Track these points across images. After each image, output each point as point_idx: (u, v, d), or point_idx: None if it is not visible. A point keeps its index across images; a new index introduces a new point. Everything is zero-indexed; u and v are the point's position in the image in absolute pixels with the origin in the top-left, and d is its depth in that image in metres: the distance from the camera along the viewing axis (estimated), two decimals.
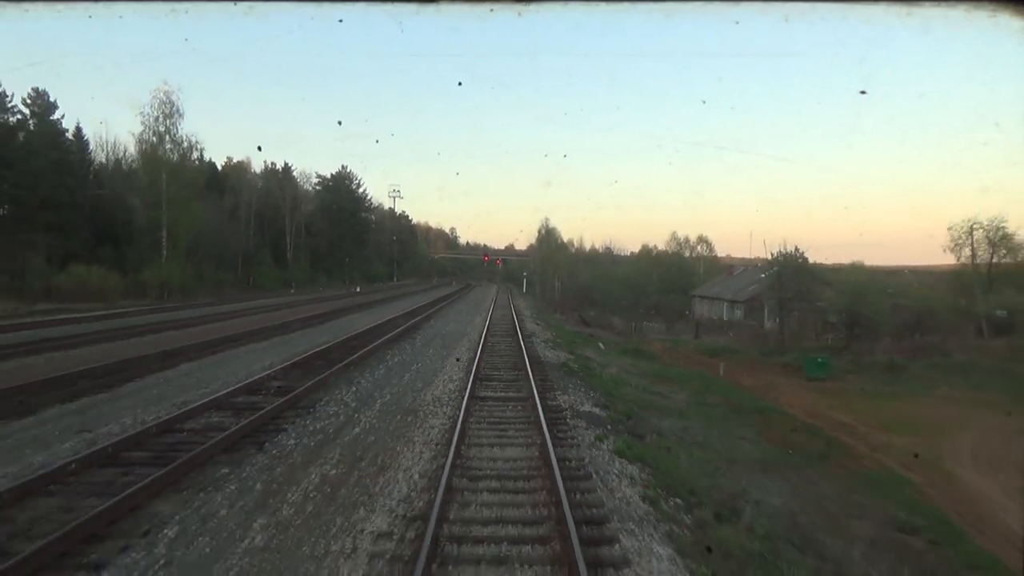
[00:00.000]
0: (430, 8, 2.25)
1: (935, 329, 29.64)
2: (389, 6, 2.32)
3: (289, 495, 6.46)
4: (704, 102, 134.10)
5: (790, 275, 33.79)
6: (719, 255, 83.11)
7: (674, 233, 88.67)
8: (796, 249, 34.10)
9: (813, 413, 18.08)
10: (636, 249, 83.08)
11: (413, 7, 2.24)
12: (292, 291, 55.86)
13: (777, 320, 38.15)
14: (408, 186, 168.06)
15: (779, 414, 17.30)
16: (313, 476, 7.06)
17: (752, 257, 61.88)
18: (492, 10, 2.27)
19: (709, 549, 5.79)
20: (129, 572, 4.79)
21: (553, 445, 8.11)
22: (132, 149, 52.50)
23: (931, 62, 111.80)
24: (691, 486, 7.73)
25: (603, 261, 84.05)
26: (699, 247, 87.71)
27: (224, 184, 64.96)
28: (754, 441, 13.23)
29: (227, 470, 7.08)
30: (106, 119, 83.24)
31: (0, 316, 27.12)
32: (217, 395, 10.55)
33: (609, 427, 10.24)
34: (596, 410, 11.41)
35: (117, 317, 26.25)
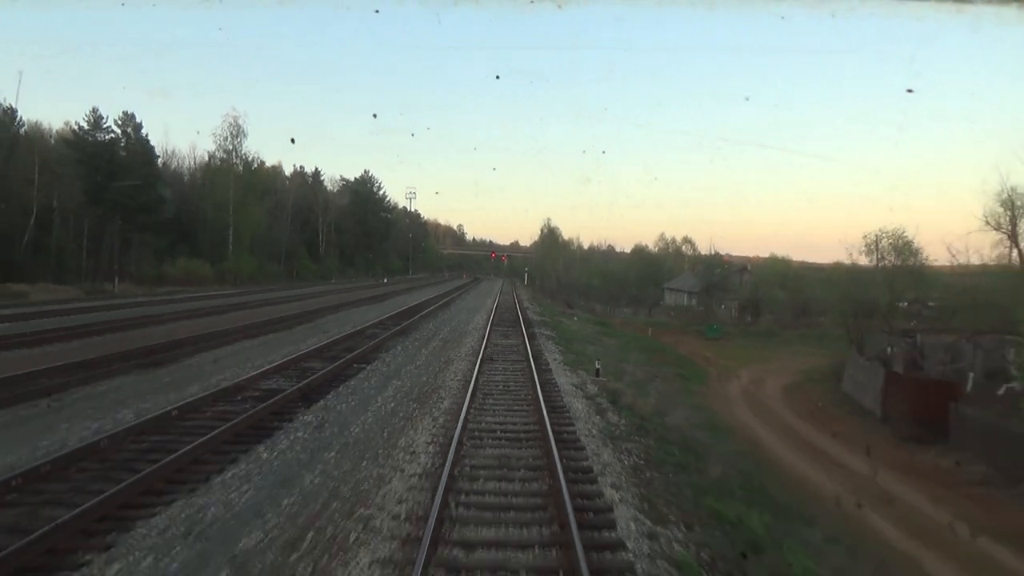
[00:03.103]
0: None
1: (822, 312, 40.71)
2: None
3: (429, 344, 17.87)
4: (747, 99, 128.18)
5: (712, 272, 45.14)
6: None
7: (662, 234, 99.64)
8: (718, 252, 45.44)
9: (693, 352, 29.35)
10: (630, 247, 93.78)
11: None
12: (332, 281, 67.05)
13: (723, 306, 49.53)
14: (443, 181, 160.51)
15: (672, 352, 28.55)
16: (431, 344, 18.42)
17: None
18: (532, 1, 2.48)
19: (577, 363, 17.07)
20: (395, 356, 16.12)
21: (528, 340, 19.41)
22: (188, 158, 64.22)
23: (981, 61, 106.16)
24: (582, 354, 19.05)
25: (596, 258, 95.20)
26: (684, 246, 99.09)
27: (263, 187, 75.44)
28: (643, 358, 24.43)
29: (402, 338, 18.52)
30: (137, 108, 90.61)
31: (147, 295, 38.57)
32: (365, 325, 21.82)
33: (556, 341, 21.59)
34: (553, 335, 22.80)
35: (234, 296, 37.53)
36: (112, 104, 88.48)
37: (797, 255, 76.25)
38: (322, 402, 10.31)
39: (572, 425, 9.58)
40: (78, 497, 5.88)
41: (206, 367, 13.01)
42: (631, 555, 5.31)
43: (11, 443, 7.49)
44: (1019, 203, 34.61)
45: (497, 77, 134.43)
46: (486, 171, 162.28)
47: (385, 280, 70.99)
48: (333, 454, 7.81)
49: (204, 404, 9.54)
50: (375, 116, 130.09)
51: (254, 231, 62.60)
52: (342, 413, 9.77)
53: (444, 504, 6.06)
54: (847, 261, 36.28)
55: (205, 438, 7.65)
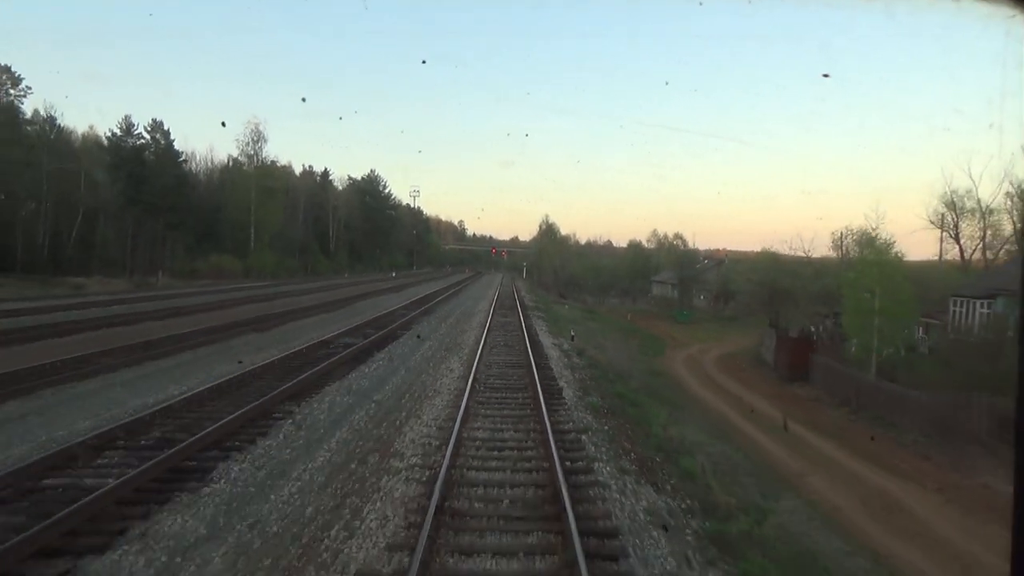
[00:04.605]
0: None
1: (784, 301, 46.27)
2: None
3: (447, 320, 23.39)
4: (667, 83, 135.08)
5: (691, 266, 50.91)
6: (703, 247, 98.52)
7: (655, 230, 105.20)
8: (695, 247, 51.13)
9: (662, 333, 34.92)
10: (626, 242, 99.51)
11: None
12: (346, 275, 72.33)
13: (701, 296, 55.22)
14: (371, 163, 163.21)
15: (643, 332, 34.09)
16: (449, 320, 23.92)
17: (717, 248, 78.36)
18: None
19: (554, 324, 22.57)
20: (423, 327, 21.59)
21: (523, 319, 24.89)
22: (204, 160, 69.44)
23: (894, 47, 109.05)
24: (565, 330, 24.54)
25: (591, 253, 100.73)
26: (676, 241, 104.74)
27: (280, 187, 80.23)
28: (619, 337, 29.93)
29: (426, 316, 24.06)
30: (72, 93, 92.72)
31: (191, 287, 43.72)
32: (393, 308, 27.26)
33: (545, 320, 27.07)
34: (544, 316, 28.31)
35: (268, 288, 42.74)
36: (47, 89, 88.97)
37: (793, 251, 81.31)
38: (386, 349, 15.80)
39: (547, 361, 15.08)
40: (281, 381, 11.30)
41: (294, 332, 18.48)
42: (566, 401, 10.83)
43: (222, 363, 12.96)
44: (960, 204, 40.06)
45: (423, 62, 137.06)
46: (412, 154, 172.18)
47: (394, 274, 76.33)
48: (403, 372, 13.29)
49: (315, 348, 15.02)
50: (304, 100, 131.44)
51: (272, 229, 67.76)
52: (401, 355, 15.26)
53: (473, 387, 11.54)
54: (793, 254, 41.67)
55: (329, 361, 13.13)
